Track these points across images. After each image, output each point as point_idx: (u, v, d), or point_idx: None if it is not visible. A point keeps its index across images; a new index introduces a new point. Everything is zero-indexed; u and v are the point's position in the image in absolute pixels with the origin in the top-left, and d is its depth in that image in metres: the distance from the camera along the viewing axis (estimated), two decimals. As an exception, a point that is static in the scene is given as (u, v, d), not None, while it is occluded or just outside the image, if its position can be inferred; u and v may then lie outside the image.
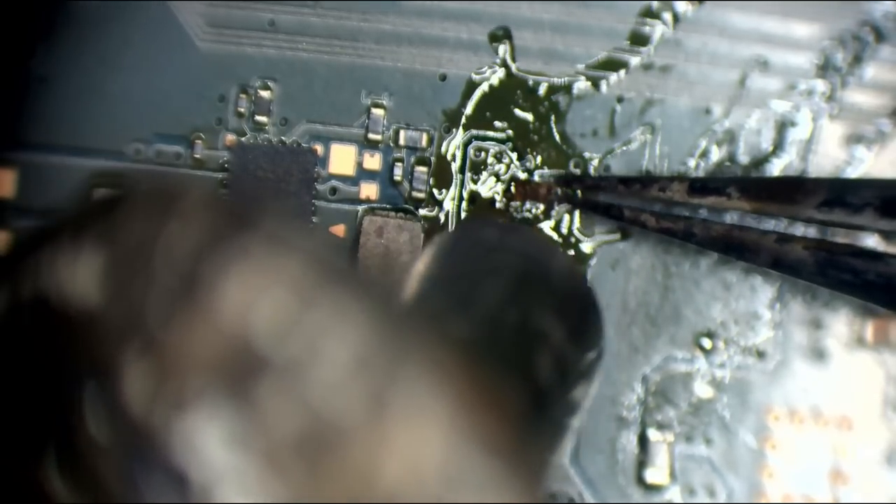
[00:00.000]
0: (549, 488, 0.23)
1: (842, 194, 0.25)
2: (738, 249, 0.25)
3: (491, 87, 0.28)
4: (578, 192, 0.27)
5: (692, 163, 0.28)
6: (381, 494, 0.13)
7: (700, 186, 0.26)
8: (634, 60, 0.28)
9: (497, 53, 0.28)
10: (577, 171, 0.28)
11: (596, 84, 0.28)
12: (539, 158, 0.28)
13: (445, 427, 0.14)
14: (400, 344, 0.14)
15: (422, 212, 0.28)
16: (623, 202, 0.27)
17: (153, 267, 0.14)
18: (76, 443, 0.14)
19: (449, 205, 0.28)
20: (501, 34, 0.28)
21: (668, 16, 0.28)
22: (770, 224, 0.25)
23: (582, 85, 0.28)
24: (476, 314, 0.21)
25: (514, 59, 0.28)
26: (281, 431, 0.13)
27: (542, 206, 0.28)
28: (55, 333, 0.14)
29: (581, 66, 0.28)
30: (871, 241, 0.24)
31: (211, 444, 0.13)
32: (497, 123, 0.28)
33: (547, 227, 0.28)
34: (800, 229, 0.25)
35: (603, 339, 0.24)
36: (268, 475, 0.13)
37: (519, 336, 0.21)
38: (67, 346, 0.14)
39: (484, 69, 0.28)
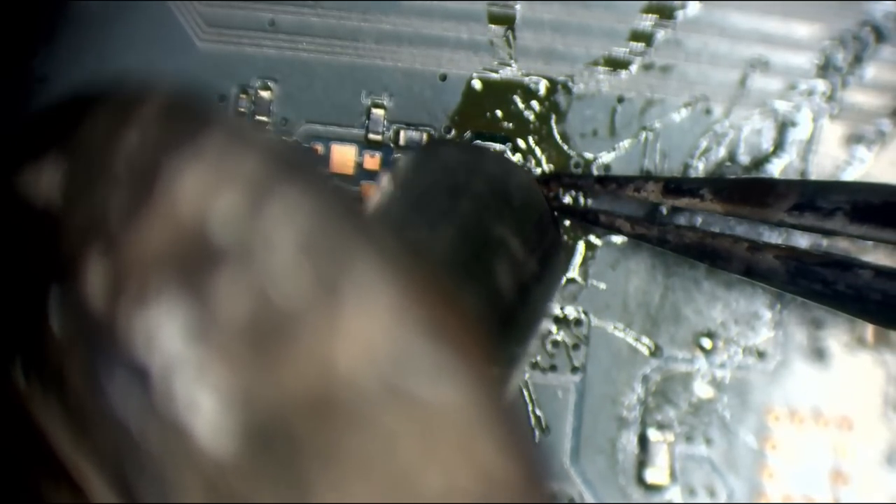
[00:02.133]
0: (512, 389, 0.23)
1: (813, 198, 0.25)
2: (710, 257, 0.26)
3: (491, 87, 0.28)
4: (556, 192, 0.27)
5: (693, 163, 0.28)
6: (335, 379, 0.13)
7: (674, 187, 0.26)
8: (635, 60, 0.28)
9: (497, 53, 0.28)
10: (554, 170, 0.28)
11: (596, 84, 0.28)
12: (539, 158, 0.28)
13: (396, 312, 0.14)
14: (351, 233, 0.14)
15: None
16: (599, 207, 0.27)
17: (113, 170, 0.14)
18: (41, 343, 0.14)
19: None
20: (502, 34, 0.28)
21: (668, 16, 0.28)
22: (742, 229, 0.25)
23: (582, 85, 0.28)
24: (436, 223, 0.21)
25: (514, 59, 0.28)
26: (234, 319, 0.13)
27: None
28: (19, 238, 0.15)
29: (581, 66, 0.28)
30: (844, 244, 0.24)
31: (169, 337, 0.13)
32: (497, 124, 0.28)
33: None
34: (772, 236, 0.25)
35: (560, 252, 0.25)
36: (224, 363, 0.13)
37: (478, 244, 0.22)
38: (31, 249, 0.14)
39: (484, 69, 0.28)
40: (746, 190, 0.26)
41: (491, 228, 0.22)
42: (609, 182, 0.27)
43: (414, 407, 0.14)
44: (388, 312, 0.14)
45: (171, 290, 0.14)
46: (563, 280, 0.28)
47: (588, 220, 0.27)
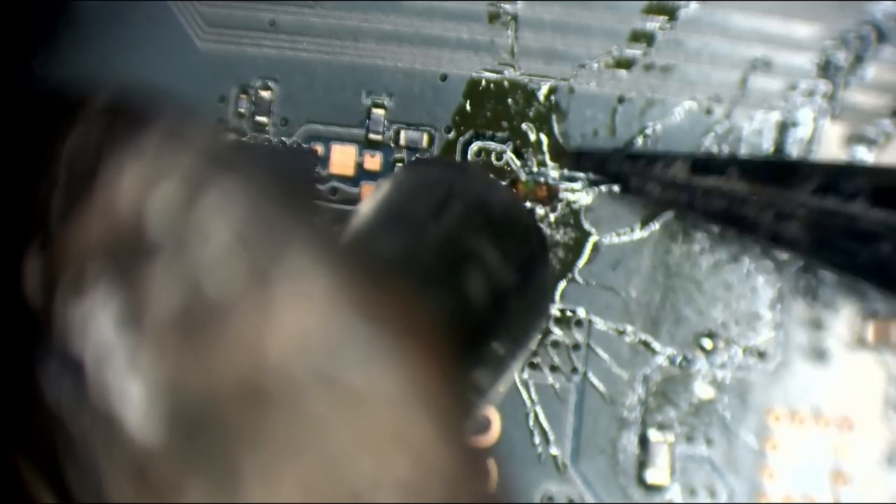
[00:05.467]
0: (476, 405, 0.23)
1: (835, 181, 0.25)
2: (737, 223, 0.26)
3: (492, 87, 0.28)
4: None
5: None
6: (267, 367, 0.14)
7: (702, 166, 0.26)
8: (635, 60, 0.28)
9: (498, 53, 0.28)
10: (586, 149, 0.28)
11: (597, 84, 0.28)
12: (540, 159, 0.28)
13: (329, 300, 0.14)
14: (285, 224, 0.14)
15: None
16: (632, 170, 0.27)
17: (53, 170, 0.14)
18: None
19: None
20: (502, 34, 0.28)
21: (668, 16, 0.28)
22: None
23: (583, 85, 0.28)
24: (412, 235, 0.21)
25: (515, 59, 0.28)
26: (166, 309, 0.14)
27: (541, 208, 0.28)
28: None
29: (582, 66, 0.28)
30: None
31: (103, 327, 0.14)
32: (497, 123, 0.28)
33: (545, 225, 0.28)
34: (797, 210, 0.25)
35: (543, 268, 0.26)
36: (154, 352, 0.14)
37: (448, 252, 0.22)
38: None
39: (484, 69, 0.28)
40: (771, 170, 0.26)
41: (467, 240, 0.22)
42: (639, 159, 0.27)
43: (345, 394, 0.14)
44: (321, 300, 0.14)
45: (105, 282, 0.14)
46: (561, 286, 0.28)
47: (619, 183, 0.27)
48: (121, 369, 0.14)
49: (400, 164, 0.28)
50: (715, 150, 0.28)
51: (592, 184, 0.28)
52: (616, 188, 0.28)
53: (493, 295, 0.22)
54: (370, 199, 0.23)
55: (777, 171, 0.26)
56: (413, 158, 0.28)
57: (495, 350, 0.22)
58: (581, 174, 0.28)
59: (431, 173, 0.25)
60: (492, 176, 0.28)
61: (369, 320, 0.14)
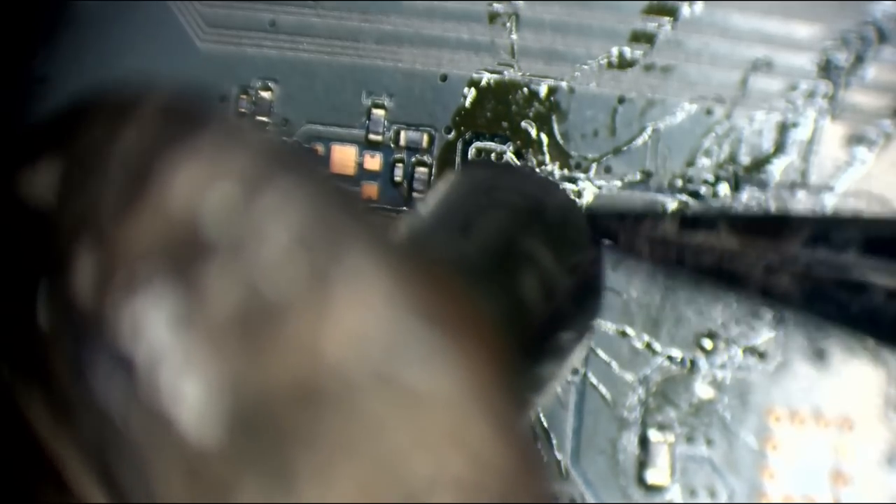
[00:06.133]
0: (532, 404, 0.23)
1: (826, 232, 0.25)
2: (727, 279, 0.26)
3: (492, 87, 0.28)
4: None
5: (694, 163, 0.28)
6: (324, 367, 0.14)
7: (691, 222, 0.26)
8: (636, 61, 0.28)
9: (498, 53, 0.28)
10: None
11: (597, 84, 0.28)
12: (540, 159, 0.28)
13: (388, 300, 0.14)
14: (344, 224, 0.14)
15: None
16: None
17: (107, 168, 0.14)
18: (27, 336, 0.14)
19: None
20: (502, 34, 0.28)
21: (669, 16, 0.28)
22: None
23: (583, 85, 0.28)
24: (466, 234, 0.22)
25: (515, 59, 0.28)
26: (222, 310, 0.14)
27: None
28: (11, 237, 0.15)
29: (582, 67, 0.28)
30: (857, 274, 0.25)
31: (156, 326, 0.14)
32: (497, 124, 0.28)
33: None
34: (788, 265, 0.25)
35: (599, 269, 0.26)
36: (210, 352, 0.13)
37: (503, 254, 0.22)
38: (22, 247, 0.15)
39: (484, 70, 0.28)
40: (761, 224, 0.26)
41: (521, 242, 0.22)
42: (625, 217, 0.27)
43: (403, 394, 0.14)
44: (380, 300, 0.14)
45: (160, 281, 0.14)
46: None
47: (609, 238, 0.27)
48: (175, 369, 0.13)
49: (400, 165, 0.28)
50: (715, 150, 0.28)
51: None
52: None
53: (547, 295, 0.22)
54: (425, 200, 0.23)
55: (767, 224, 0.26)
56: (467, 161, 0.28)
57: (549, 349, 0.22)
58: (581, 174, 0.28)
59: (485, 175, 0.25)
60: (548, 177, 0.28)
61: (427, 321, 0.14)
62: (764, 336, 0.28)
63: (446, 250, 0.21)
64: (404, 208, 0.29)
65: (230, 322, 0.13)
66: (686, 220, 0.26)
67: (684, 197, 0.28)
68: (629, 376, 0.28)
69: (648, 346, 0.28)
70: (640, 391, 0.28)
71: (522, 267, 0.22)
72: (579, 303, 0.24)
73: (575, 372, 0.28)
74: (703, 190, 0.28)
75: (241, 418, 0.13)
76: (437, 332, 0.14)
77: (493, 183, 0.24)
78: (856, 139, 0.28)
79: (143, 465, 0.13)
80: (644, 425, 0.28)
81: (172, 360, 0.13)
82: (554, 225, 0.24)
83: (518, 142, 0.28)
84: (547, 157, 0.28)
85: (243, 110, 0.29)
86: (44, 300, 0.14)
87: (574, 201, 0.27)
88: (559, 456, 0.28)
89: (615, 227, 0.27)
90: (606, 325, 0.28)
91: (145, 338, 0.13)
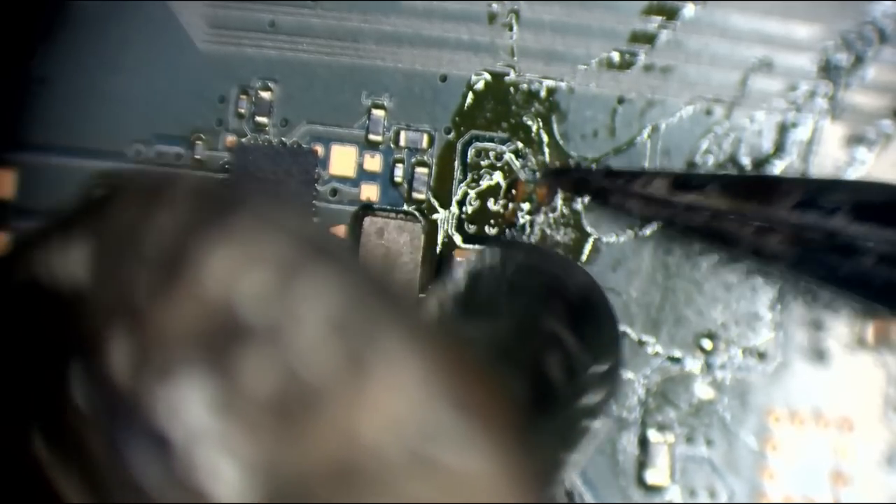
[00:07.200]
0: (562, 483, 0.24)
1: (815, 197, 0.25)
2: (718, 238, 0.26)
3: (491, 87, 0.28)
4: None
5: (695, 163, 0.28)
6: (362, 448, 0.14)
7: (682, 183, 0.26)
8: (636, 61, 0.28)
9: (498, 54, 0.28)
10: (564, 165, 0.28)
11: (597, 84, 0.28)
12: (540, 159, 0.28)
13: (423, 384, 0.14)
14: (380, 310, 0.14)
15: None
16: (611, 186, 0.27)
17: (140, 249, 0.15)
18: (62, 415, 0.14)
19: (452, 206, 0.28)
20: (502, 34, 0.28)
21: (668, 16, 0.28)
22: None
23: (583, 85, 0.28)
24: (492, 316, 0.22)
25: (515, 59, 0.28)
26: (260, 393, 0.14)
27: (543, 209, 0.28)
28: (44, 315, 0.15)
29: (582, 67, 0.28)
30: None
31: (193, 408, 0.14)
32: (497, 124, 0.28)
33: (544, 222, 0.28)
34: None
35: (619, 350, 0.26)
36: (247, 434, 0.14)
37: (527, 334, 0.23)
38: (56, 325, 0.15)
39: (484, 70, 0.28)
40: (751, 187, 0.26)
41: (545, 321, 0.23)
42: (618, 177, 0.27)
43: (439, 474, 0.14)
44: (415, 385, 0.14)
45: (196, 365, 0.14)
46: None
47: (600, 198, 0.27)
48: (213, 450, 0.14)
49: (400, 165, 0.29)
50: (715, 150, 0.28)
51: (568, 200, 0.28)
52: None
53: (570, 377, 0.23)
54: (453, 276, 0.24)
55: (757, 187, 0.26)
56: (492, 239, 0.29)
57: (575, 426, 0.23)
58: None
59: (510, 255, 0.25)
60: (569, 257, 0.28)
61: (459, 404, 0.14)
62: (764, 336, 0.28)
63: (475, 331, 0.22)
64: (404, 208, 0.29)
65: (268, 404, 0.14)
66: (678, 181, 0.26)
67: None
68: (629, 376, 0.28)
69: (648, 345, 0.28)
70: (640, 391, 0.28)
71: (547, 346, 0.23)
72: (601, 379, 0.24)
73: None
74: (703, 190, 0.28)
75: (278, 495, 0.14)
76: (470, 415, 0.14)
77: (517, 262, 0.25)
78: (856, 139, 0.28)
79: None
80: (644, 426, 0.28)
81: (210, 441, 0.14)
82: (576, 306, 0.25)
83: (518, 142, 0.28)
84: (547, 157, 0.28)
85: (243, 111, 0.29)
86: (79, 377, 0.14)
87: (594, 281, 0.27)
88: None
89: (608, 185, 0.27)
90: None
91: (182, 418, 0.14)
